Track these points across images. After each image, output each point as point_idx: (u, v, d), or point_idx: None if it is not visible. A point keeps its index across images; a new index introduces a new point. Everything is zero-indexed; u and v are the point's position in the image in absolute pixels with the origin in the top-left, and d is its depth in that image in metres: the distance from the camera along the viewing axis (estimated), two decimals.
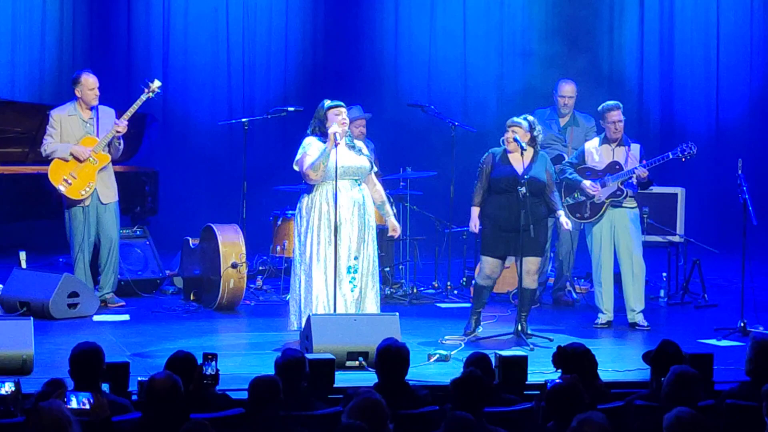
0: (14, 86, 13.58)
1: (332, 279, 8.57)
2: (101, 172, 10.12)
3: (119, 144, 10.19)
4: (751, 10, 14.99)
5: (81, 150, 10.06)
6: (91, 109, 10.16)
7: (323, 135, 8.71)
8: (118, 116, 10.20)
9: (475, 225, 9.25)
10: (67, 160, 10.07)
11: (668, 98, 15.09)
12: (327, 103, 8.81)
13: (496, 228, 9.12)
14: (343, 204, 8.67)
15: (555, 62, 14.56)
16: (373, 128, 12.35)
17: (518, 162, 9.12)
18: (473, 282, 9.50)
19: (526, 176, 8.99)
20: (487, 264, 9.21)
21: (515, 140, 9.10)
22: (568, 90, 10.94)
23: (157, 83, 10.23)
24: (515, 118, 9.21)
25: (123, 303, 10.32)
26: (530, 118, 9.24)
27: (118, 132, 10.05)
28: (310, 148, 8.69)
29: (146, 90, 10.20)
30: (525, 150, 9.07)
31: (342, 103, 8.85)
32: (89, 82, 10.12)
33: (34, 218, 11.41)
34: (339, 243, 8.59)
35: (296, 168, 8.78)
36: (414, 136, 14.21)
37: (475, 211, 9.25)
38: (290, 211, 11.02)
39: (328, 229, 8.62)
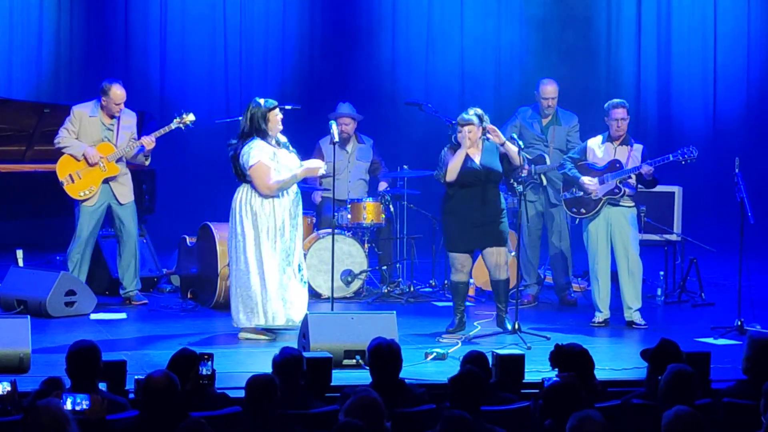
0: (11, 84, 13.58)
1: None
2: (121, 174, 10.19)
3: (145, 160, 10.26)
4: (748, 8, 14.99)
5: (92, 153, 10.07)
6: (113, 116, 10.20)
7: (264, 135, 8.92)
8: (143, 126, 10.24)
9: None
10: (78, 160, 10.09)
11: (666, 97, 15.09)
12: (264, 101, 9.01)
13: (461, 222, 9.20)
14: (294, 202, 9.02)
15: (551, 60, 14.56)
16: (371, 127, 12.36)
17: (474, 154, 9.21)
18: (448, 280, 9.52)
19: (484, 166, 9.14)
20: (457, 259, 9.31)
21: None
22: (550, 91, 10.77)
23: (191, 117, 10.25)
24: (465, 116, 9.24)
25: (146, 301, 10.38)
26: (478, 111, 9.27)
27: (147, 148, 10.12)
28: (263, 155, 8.86)
29: (178, 119, 10.24)
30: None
31: (277, 103, 9.10)
32: (117, 96, 10.11)
33: (31, 217, 11.41)
34: (291, 241, 8.97)
35: (257, 175, 8.85)
36: (411, 134, 14.21)
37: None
38: None
39: (276, 229, 8.93)
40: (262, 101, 9.00)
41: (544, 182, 10.00)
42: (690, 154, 9.66)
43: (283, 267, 8.91)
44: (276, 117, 9.00)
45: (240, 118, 10.92)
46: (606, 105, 9.89)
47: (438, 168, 9.28)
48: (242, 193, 8.97)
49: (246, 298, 8.93)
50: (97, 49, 13.96)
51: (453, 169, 9.13)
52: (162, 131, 10.24)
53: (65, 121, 10.19)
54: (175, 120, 10.25)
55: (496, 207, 9.20)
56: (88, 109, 10.18)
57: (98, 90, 10.26)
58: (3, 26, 13.63)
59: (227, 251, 9.23)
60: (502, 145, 9.18)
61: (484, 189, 9.17)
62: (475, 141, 9.20)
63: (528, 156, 9.94)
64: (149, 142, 10.13)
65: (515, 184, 9.24)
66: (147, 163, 10.42)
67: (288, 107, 11.04)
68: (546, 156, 10.55)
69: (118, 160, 10.16)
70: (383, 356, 6.40)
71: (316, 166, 9.10)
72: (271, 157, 8.88)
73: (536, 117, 10.78)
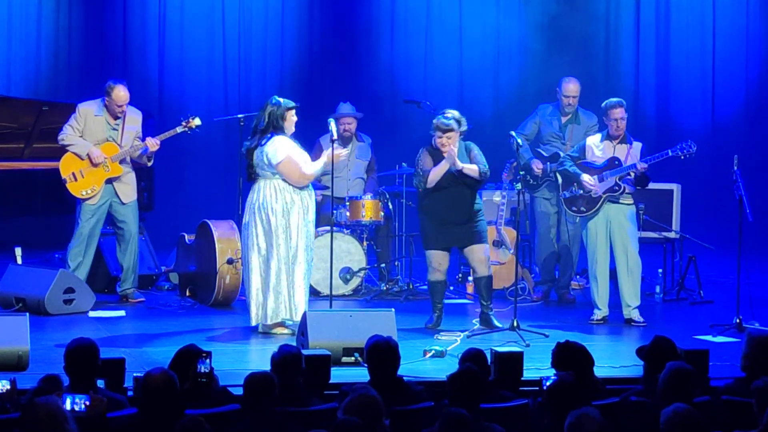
0: (10, 82, 13.58)
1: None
2: (125, 173, 10.18)
3: (148, 161, 10.25)
4: (746, 5, 14.99)
5: (97, 154, 10.05)
6: (117, 117, 10.18)
7: (281, 133, 9.01)
8: (151, 129, 10.25)
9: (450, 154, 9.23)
10: (82, 158, 10.08)
11: (664, 95, 15.10)
12: (284, 100, 9.11)
13: (437, 221, 9.29)
14: (310, 206, 9.16)
15: (550, 59, 14.56)
16: (369, 124, 12.35)
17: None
18: (427, 280, 9.58)
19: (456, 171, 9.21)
20: (434, 257, 9.39)
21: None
22: (572, 89, 10.76)
23: (197, 121, 10.27)
24: (444, 120, 9.31)
25: (143, 299, 10.38)
26: (456, 114, 9.36)
27: (150, 150, 10.10)
28: (291, 149, 8.98)
29: (184, 123, 10.24)
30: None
31: (296, 105, 9.24)
32: (119, 97, 10.07)
33: (30, 214, 11.40)
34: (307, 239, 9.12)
35: (288, 170, 8.95)
36: (410, 132, 14.20)
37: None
38: None
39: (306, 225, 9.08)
40: (282, 100, 9.08)
41: (560, 180, 10.02)
42: (689, 149, 9.66)
43: (290, 267, 8.97)
44: (293, 118, 9.09)
45: (240, 115, 10.99)
46: (603, 105, 9.87)
47: (416, 174, 9.38)
48: (257, 192, 9.00)
49: (249, 295, 9.05)
50: (96, 47, 13.96)
51: (434, 179, 9.23)
52: (168, 134, 10.21)
53: (70, 118, 10.16)
54: (181, 124, 10.24)
55: (470, 207, 9.30)
56: (94, 108, 10.16)
57: (97, 88, 10.25)
58: (1, 23, 13.63)
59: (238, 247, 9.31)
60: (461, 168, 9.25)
61: (457, 190, 9.25)
62: (454, 145, 9.25)
63: (549, 153, 9.90)
64: (154, 144, 10.10)
65: (514, 183, 9.25)
66: (150, 164, 10.42)
67: None
68: (562, 154, 10.52)
69: (122, 161, 10.15)
70: (381, 354, 6.40)
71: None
72: (297, 147, 9.04)
73: (556, 114, 10.79)
